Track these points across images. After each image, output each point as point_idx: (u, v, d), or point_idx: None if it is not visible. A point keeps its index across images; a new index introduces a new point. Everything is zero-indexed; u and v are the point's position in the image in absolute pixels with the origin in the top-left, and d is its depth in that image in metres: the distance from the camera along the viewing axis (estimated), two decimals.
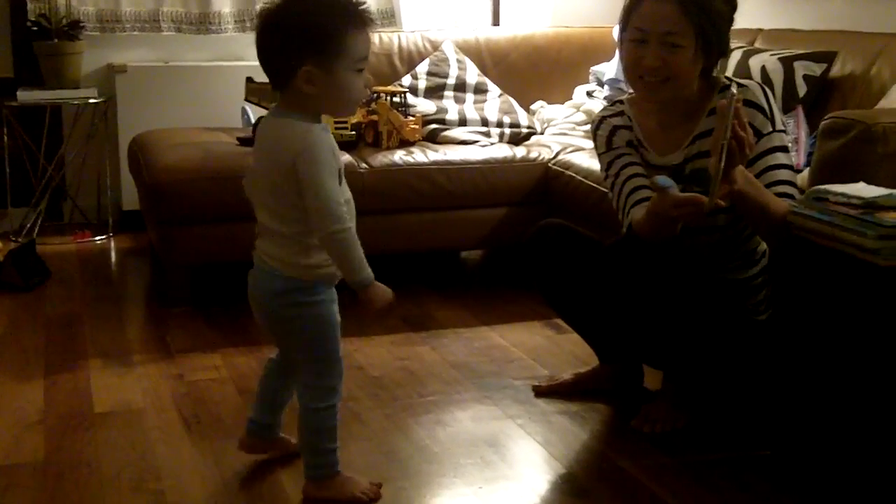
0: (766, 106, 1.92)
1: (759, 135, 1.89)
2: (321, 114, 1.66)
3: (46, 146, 3.75)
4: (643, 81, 1.92)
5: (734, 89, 1.83)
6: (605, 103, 3.28)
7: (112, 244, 3.67)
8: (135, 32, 3.77)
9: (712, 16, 1.89)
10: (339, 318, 1.73)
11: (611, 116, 2.07)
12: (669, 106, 1.97)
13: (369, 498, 1.74)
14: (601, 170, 2.10)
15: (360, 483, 1.77)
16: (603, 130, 2.07)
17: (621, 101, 2.10)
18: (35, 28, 3.59)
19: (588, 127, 2.90)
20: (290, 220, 1.63)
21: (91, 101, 3.63)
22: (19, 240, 3.51)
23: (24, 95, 3.56)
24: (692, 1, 1.87)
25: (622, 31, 1.96)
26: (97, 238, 3.69)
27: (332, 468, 1.75)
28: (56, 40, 3.58)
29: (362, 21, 1.62)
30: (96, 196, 3.88)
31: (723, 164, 1.71)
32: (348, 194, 1.66)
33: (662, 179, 1.76)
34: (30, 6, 3.63)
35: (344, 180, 1.66)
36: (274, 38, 1.59)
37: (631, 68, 1.94)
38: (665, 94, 1.93)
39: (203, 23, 3.80)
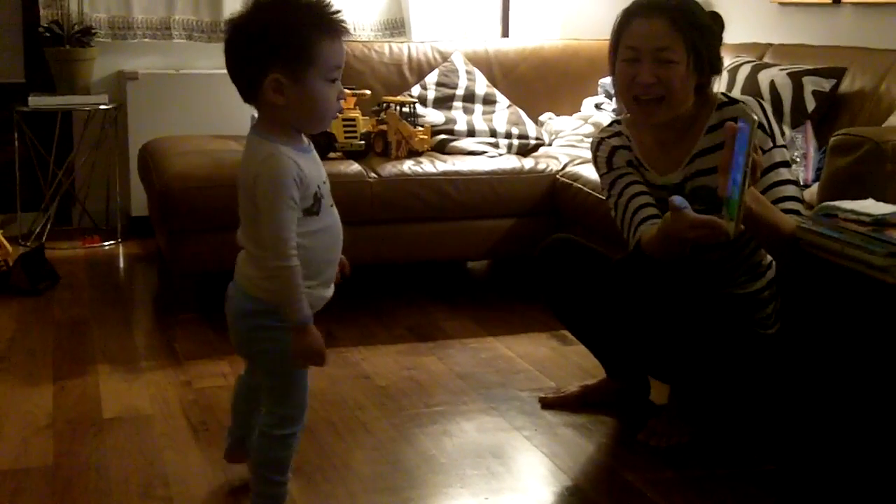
0: (765, 122, 1.92)
1: (760, 151, 1.89)
2: (299, 129, 1.58)
3: (57, 151, 3.77)
4: (638, 103, 1.91)
5: (751, 113, 1.80)
6: (613, 115, 3.30)
7: (120, 250, 3.68)
8: (146, 40, 3.80)
9: (702, 30, 1.90)
10: None
11: (609, 137, 2.08)
12: (665, 124, 1.97)
13: None
14: (603, 190, 2.09)
15: None
16: (602, 152, 2.07)
17: (618, 122, 2.10)
18: (47, 34, 3.62)
19: None
20: (256, 240, 1.56)
21: (102, 107, 3.66)
22: (28, 244, 3.53)
23: (36, 101, 3.58)
24: (682, 16, 1.88)
25: (613, 53, 1.95)
26: (106, 243, 3.70)
27: (279, 501, 1.68)
28: (68, 46, 3.61)
29: (335, 28, 1.52)
30: (105, 202, 3.89)
31: (747, 188, 1.69)
32: (328, 221, 1.59)
33: (679, 200, 1.75)
34: (42, 12, 3.65)
35: (325, 204, 1.59)
36: (240, 46, 1.52)
37: (625, 89, 1.93)
38: (662, 115, 1.92)
39: (214, 31, 3.83)
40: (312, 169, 1.58)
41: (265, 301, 1.58)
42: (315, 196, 1.56)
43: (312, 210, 1.56)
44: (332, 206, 1.63)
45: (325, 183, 1.61)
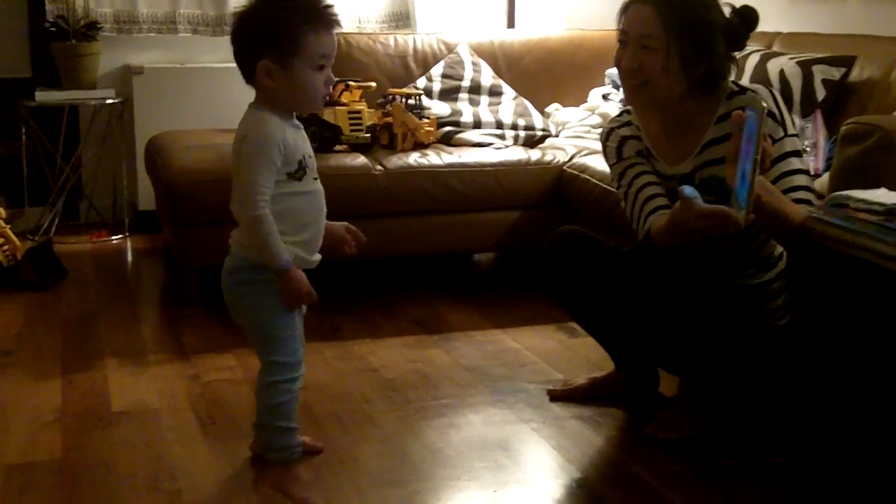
0: (776, 111, 1.90)
1: (771, 140, 1.87)
2: (289, 110, 1.73)
3: (64, 146, 3.78)
4: (627, 84, 1.95)
5: (760, 101, 1.78)
6: (620, 106, 3.28)
7: (128, 244, 3.69)
8: (151, 34, 3.80)
9: (694, 23, 1.88)
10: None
11: (619, 127, 2.07)
12: (670, 113, 1.97)
13: None
14: (612, 180, 2.09)
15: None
16: (612, 142, 2.07)
17: (628, 112, 2.09)
18: (53, 29, 3.62)
19: None
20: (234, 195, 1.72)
21: (108, 101, 3.66)
22: (36, 239, 3.54)
23: (42, 96, 3.58)
24: (670, 7, 1.87)
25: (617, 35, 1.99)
26: (113, 238, 3.71)
27: (291, 451, 1.76)
28: (74, 41, 3.61)
29: (322, 21, 1.68)
30: (112, 196, 3.90)
31: (756, 177, 1.68)
32: (309, 188, 1.73)
33: (689, 189, 1.74)
34: (48, 7, 3.66)
35: (310, 173, 1.73)
36: (240, 35, 1.71)
37: (618, 71, 1.98)
38: (643, 99, 1.94)
39: (219, 24, 3.83)
40: (299, 141, 1.73)
41: (246, 257, 1.73)
42: (300, 164, 1.71)
43: (296, 176, 1.71)
44: (315, 179, 1.75)
45: (310, 157, 1.75)
